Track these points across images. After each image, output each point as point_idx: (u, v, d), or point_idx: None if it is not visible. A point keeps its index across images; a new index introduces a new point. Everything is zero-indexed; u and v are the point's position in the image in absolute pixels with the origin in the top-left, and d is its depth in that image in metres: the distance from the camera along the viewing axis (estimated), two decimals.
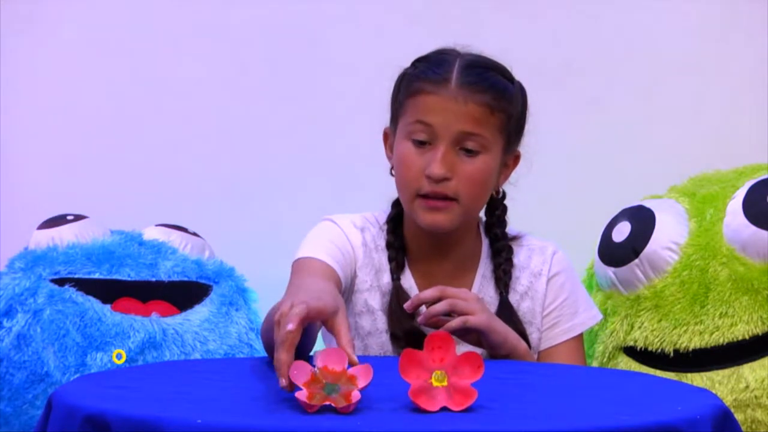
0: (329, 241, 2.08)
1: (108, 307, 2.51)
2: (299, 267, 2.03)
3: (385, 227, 2.14)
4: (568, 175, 2.98)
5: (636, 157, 3.03)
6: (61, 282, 2.52)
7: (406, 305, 2.03)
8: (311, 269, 2.01)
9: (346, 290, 2.08)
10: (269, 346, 1.80)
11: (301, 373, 1.51)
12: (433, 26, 2.99)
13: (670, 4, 3.06)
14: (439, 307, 2.00)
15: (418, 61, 2.12)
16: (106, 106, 3.03)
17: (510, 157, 2.13)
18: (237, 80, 3.04)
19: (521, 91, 2.12)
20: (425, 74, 2.07)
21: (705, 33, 3.06)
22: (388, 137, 2.15)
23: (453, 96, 2.04)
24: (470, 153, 2.05)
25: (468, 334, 2.03)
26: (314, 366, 1.52)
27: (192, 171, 3.03)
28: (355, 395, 1.50)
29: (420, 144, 2.05)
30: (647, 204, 2.57)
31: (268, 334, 1.76)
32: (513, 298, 2.14)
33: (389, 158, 2.14)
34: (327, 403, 1.50)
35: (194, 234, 2.73)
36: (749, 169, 2.61)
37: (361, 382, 1.51)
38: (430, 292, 2.01)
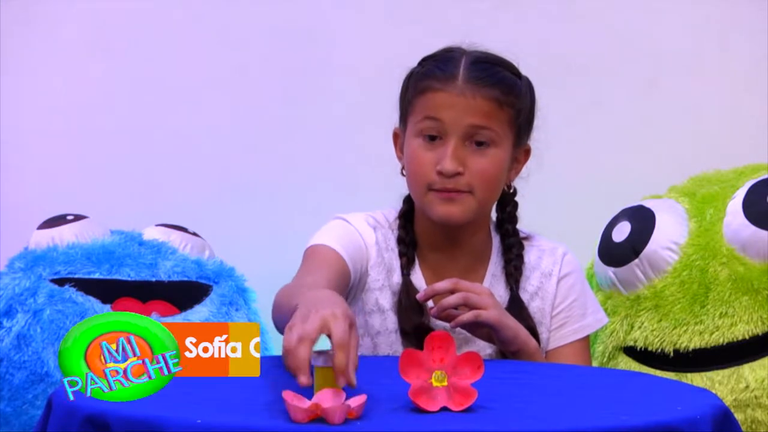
0: (342, 235, 2.08)
1: (108, 307, 2.51)
2: (311, 254, 2.04)
3: (395, 224, 2.15)
4: (568, 174, 2.98)
5: (636, 157, 3.03)
6: (61, 282, 2.51)
7: (419, 295, 2.04)
8: (322, 257, 2.02)
9: (354, 286, 2.09)
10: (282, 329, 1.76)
11: (298, 409, 1.49)
12: (433, 26, 2.99)
13: (670, 4, 3.06)
14: (452, 299, 2.00)
15: (425, 60, 2.13)
16: (106, 106, 3.03)
17: (520, 152, 2.14)
18: (236, 80, 3.04)
19: (529, 86, 2.14)
20: (432, 72, 2.08)
21: (705, 33, 3.06)
22: (398, 137, 2.15)
23: (461, 91, 2.05)
24: (481, 147, 2.06)
25: (479, 328, 2.04)
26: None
27: (192, 171, 3.03)
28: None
29: (430, 141, 2.06)
30: (647, 204, 2.57)
31: (282, 321, 1.76)
32: (523, 297, 2.14)
33: (399, 158, 2.15)
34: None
35: (194, 234, 2.73)
36: (749, 169, 2.61)
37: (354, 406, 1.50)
38: (443, 284, 2.02)
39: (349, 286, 2.06)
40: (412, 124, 2.09)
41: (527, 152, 2.16)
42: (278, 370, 1.77)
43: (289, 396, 1.48)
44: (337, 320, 1.56)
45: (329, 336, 1.56)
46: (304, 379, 1.52)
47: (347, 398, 1.50)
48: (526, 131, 2.14)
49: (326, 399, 1.50)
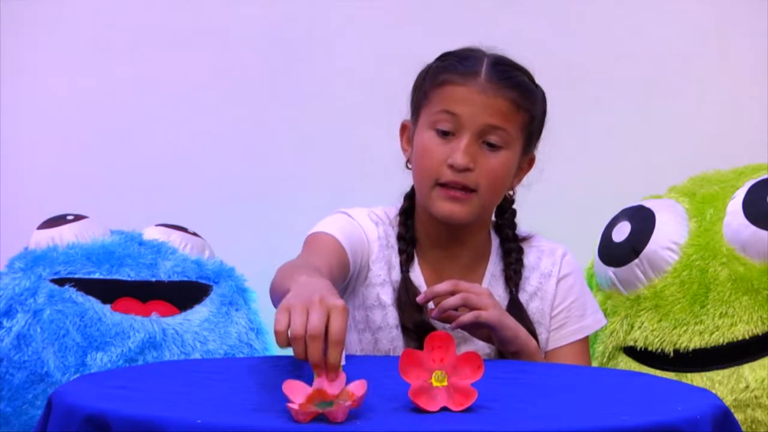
0: (345, 226, 2.09)
1: (108, 307, 2.51)
2: (311, 240, 2.05)
3: (396, 221, 2.15)
4: (569, 175, 2.97)
5: (636, 157, 3.03)
6: (61, 282, 2.51)
7: (419, 298, 2.05)
8: (323, 243, 2.03)
9: (353, 279, 2.09)
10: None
11: (296, 393, 1.49)
12: (433, 26, 2.99)
13: (670, 4, 3.06)
14: (453, 300, 2.01)
15: (446, 55, 2.14)
16: (106, 106, 3.03)
17: (525, 159, 2.14)
18: (236, 80, 3.04)
19: (543, 96, 2.15)
20: (454, 66, 2.09)
21: (705, 33, 3.06)
22: (406, 129, 2.15)
23: (481, 88, 2.06)
24: (493, 147, 2.06)
25: (479, 329, 2.04)
26: None
27: (192, 171, 3.03)
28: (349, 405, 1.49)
29: (444, 134, 2.07)
30: (647, 204, 2.57)
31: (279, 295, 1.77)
32: (522, 297, 2.15)
33: (405, 151, 2.15)
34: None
35: (194, 234, 2.73)
36: (749, 169, 2.61)
37: (357, 401, 1.50)
38: (443, 286, 2.02)
39: (348, 278, 2.06)
40: (426, 116, 2.09)
41: (532, 161, 2.16)
42: (278, 370, 1.77)
43: (288, 389, 1.48)
44: (337, 312, 1.57)
45: (325, 327, 1.56)
46: (323, 375, 1.54)
47: (347, 383, 1.51)
48: (535, 140, 2.15)
49: (327, 384, 1.50)
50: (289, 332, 1.56)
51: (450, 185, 2.06)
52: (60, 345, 2.44)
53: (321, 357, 1.53)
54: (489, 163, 2.06)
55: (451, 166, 2.05)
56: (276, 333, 1.56)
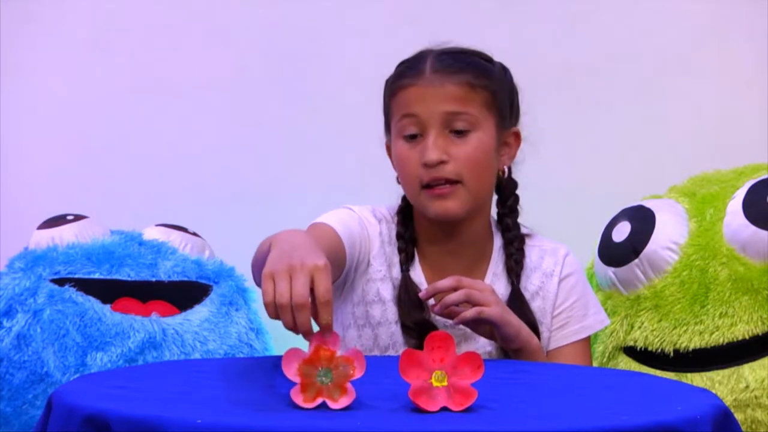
0: (345, 219, 2.10)
1: (108, 307, 2.51)
2: (309, 228, 2.06)
3: (395, 219, 2.15)
4: (568, 175, 2.98)
5: (636, 157, 3.03)
6: (61, 282, 2.52)
7: (422, 294, 2.05)
8: (319, 231, 2.03)
9: (351, 272, 2.10)
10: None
11: (293, 358, 1.52)
12: (433, 26, 2.98)
13: (670, 4, 3.06)
14: (455, 296, 2.01)
15: (398, 65, 2.16)
16: (106, 106, 3.03)
17: (509, 135, 2.14)
18: (237, 80, 3.04)
19: (504, 70, 2.15)
20: (403, 72, 2.12)
21: (704, 33, 3.06)
22: (390, 148, 2.16)
23: (429, 82, 2.07)
24: (460, 134, 2.07)
25: (481, 325, 2.04)
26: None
27: (192, 171, 3.03)
28: (350, 389, 1.51)
29: (411, 138, 2.08)
30: (647, 204, 2.57)
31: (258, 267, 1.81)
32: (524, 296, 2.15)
33: (395, 168, 2.15)
34: (321, 400, 1.51)
35: (194, 234, 2.73)
36: (749, 169, 2.61)
37: (357, 370, 1.52)
38: (446, 282, 2.03)
39: (344, 270, 2.07)
40: (394, 127, 2.12)
41: (517, 136, 2.16)
42: (278, 370, 1.77)
43: (287, 358, 1.51)
44: (320, 273, 1.60)
45: (311, 289, 1.59)
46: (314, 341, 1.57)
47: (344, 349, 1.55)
48: (510, 114, 2.14)
49: (324, 340, 1.54)
50: (275, 301, 1.58)
51: (433, 184, 2.06)
52: (60, 345, 2.44)
53: (310, 326, 1.57)
54: (462, 150, 2.06)
55: (425, 165, 2.05)
56: (265, 305, 1.60)
